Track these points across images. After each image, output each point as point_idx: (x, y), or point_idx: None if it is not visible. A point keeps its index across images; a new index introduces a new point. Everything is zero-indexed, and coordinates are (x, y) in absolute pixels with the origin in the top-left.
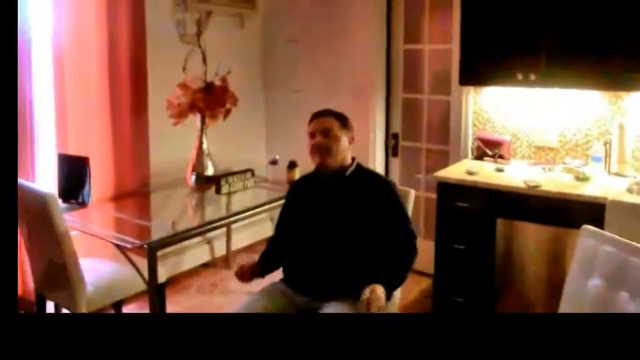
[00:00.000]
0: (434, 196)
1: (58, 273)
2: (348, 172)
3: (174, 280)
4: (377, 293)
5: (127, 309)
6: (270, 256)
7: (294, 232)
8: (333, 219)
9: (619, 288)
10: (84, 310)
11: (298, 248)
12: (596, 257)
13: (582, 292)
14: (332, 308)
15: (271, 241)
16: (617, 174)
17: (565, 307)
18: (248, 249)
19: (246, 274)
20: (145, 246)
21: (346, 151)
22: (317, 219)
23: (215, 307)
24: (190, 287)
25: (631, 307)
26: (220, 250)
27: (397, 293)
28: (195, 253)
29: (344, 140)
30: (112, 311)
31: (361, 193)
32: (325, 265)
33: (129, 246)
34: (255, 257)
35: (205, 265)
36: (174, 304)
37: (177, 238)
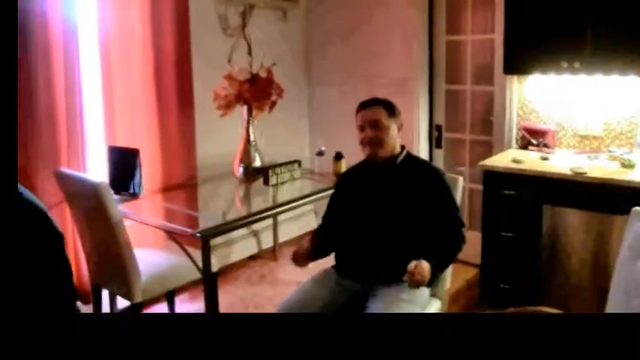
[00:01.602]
0: (478, 186)
1: (113, 262)
2: (399, 161)
3: (223, 272)
4: (422, 266)
5: (179, 299)
6: (319, 241)
7: (345, 220)
8: (383, 206)
9: None
10: (139, 298)
11: (350, 236)
12: None
13: (633, 274)
14: (383, 293)
15: (318, 230)
16: None
17: (615, 289)
18: (294, 241)
19: (301, 260)
20: (199, 234)
21: (396, 139)
22: (368, 206)
23: (265, 298)
24: (239, 278)
25: None
26: (267, 242)
27: (446, 282)
28: (242, 246)
29: (393, 129)
30: (165, 302)
31: (411, 181)
32: (377, 252)
33: (185, 234)
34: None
35: (252, 258)
36: (225, 294)
37: (229, 226)
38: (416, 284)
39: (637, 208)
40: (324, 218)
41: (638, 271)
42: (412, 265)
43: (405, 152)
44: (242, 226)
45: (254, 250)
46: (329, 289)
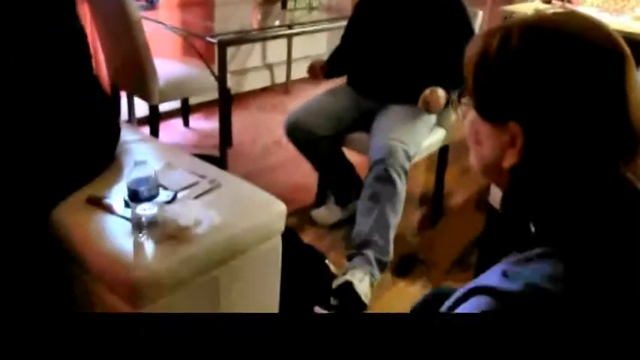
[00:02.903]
0: None
1: (132, 63)
2: None
3: (236, 99)
4: (437, 93)
5: (194, 117)
6: (335, 61)
7: (363, 40)
8: (400, 27)
9: None
10: (156, 101)
11: (366, 55)
12: None
13: None
14: (393, 108)
15: (336, 50)
16: None
17: None
18: (307, 80)
19: (317, 71)
20: (216, 40)
21: None
22: (386, 27)
23: (277, 122)
24: (251, 106)
25: None
26: (280, 77)
27: (451, 114)
28: (256, 76)
29: None
30: (180, 118)
31: (431, 5)
32: (391, 72)
33: (202, 39)
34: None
35: (265, 90)
36: (238, 118)
37: (246, 36)
38: (430, 109)
39: None
40: (343, 38)
41: None
42: (427, 91)
43: None
44: (258, 39)
45: (267, 83)
46: (343, 101)
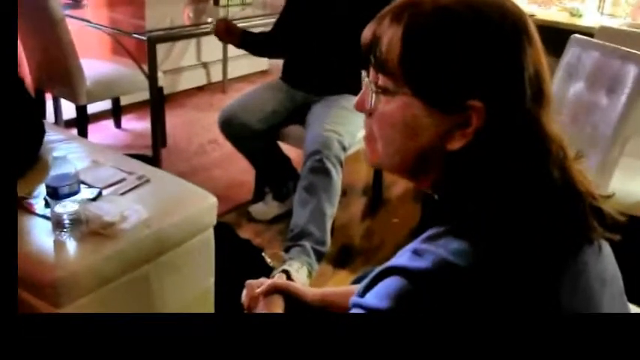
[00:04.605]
0: None
1: (56, 64)
2: None
3: (170, 98)
4: None
5: (126, 118)
6: (255, 38)
7: (296, 31)
8: (331, 18)
9: (598, 87)
10: (84, 101)
11: (297, 46)
12: (581, 62)
13: (564, 93)
14: (328, 101)
15: (265, 33)
16: (610, 15)
17: None
18: (244, 78)
19: (222, 29)
20: (144, 37)
21: None
22: (316, 18)
23: (212, 122)
24: (187, 105)
25: (604, 101)
26: (216, 76)
27: None
28: (191, 75)
29: None
30: (111, 119)
31: None
32: (322, 62)
33: (131, 36)
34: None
35: (201, 89)
36: (172, 117)
37: (175, 33)
38: None
39: (576, 35)
40: (275, 25)
41: (569, 92)
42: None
43: None
44: (189, 36)
45: (203, 82)
46: (278, 95)
